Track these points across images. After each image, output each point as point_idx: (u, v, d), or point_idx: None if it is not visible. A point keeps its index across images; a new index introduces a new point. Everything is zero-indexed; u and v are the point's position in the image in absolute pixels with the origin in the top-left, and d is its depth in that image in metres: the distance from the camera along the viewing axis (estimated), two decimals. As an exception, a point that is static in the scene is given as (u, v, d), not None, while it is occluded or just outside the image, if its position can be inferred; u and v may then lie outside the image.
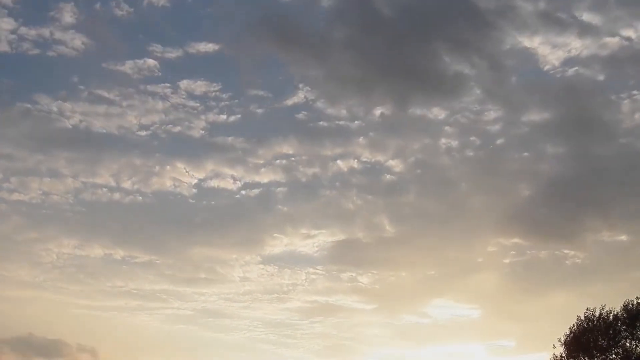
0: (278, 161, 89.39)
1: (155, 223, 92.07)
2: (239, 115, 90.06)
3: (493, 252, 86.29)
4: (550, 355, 45.25)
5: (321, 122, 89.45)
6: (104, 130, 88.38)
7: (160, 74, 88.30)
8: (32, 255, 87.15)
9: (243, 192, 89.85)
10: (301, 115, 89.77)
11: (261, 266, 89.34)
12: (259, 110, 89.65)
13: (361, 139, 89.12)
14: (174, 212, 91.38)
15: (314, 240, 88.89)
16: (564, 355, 44.34)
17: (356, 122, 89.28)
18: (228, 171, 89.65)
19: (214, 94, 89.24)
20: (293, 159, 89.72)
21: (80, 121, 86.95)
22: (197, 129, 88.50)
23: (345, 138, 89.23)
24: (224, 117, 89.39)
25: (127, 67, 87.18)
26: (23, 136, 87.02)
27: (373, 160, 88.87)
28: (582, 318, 44.03)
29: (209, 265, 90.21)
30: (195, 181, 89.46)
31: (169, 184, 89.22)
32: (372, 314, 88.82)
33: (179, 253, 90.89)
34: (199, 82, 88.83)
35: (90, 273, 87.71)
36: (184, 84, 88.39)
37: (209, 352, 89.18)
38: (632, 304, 43.06)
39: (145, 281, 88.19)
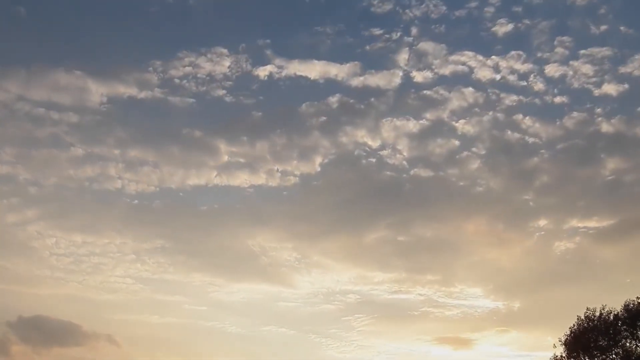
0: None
1: (172, 204, 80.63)
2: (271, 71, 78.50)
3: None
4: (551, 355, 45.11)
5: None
6: (112, 92, 76.07)
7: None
8: (27, 241, 77.43)
9: (276, 166, 79.72)
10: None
11: (288, 252, 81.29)
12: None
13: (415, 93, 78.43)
14: (194, 191, 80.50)
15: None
16: (564, 355, 44.20)
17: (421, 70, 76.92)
18: (259, 142, 79.27)
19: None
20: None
21: (84, 78, 75.29)
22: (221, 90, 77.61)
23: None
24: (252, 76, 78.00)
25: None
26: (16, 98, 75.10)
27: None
28: (582, 318, 43.81)
29: (233, 255, 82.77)
30: (221, 151, 79.32)
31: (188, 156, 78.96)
32: (404, 307, 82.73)
33: (198, 239, 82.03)
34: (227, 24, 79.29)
35: (93, 263, 78.54)
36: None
37: (223, 348, 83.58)
38: (633, 304, 42.74)
39: (158, 271, 79.41)
